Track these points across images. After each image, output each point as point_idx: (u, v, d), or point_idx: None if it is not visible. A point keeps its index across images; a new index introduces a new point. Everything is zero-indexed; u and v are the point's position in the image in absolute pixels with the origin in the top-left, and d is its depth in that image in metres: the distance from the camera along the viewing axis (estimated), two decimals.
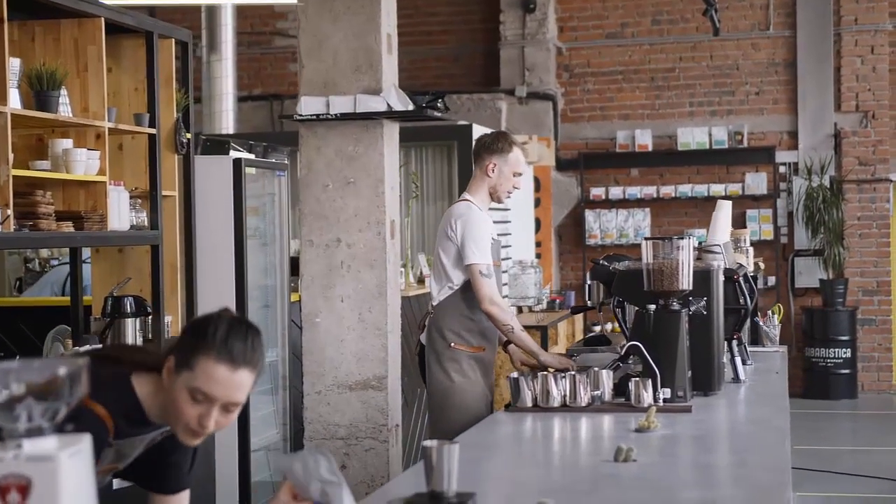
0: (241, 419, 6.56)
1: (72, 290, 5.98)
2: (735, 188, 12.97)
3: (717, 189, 12.94)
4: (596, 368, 4.52)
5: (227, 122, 11.07)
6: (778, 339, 6.65)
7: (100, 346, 5.37)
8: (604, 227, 13.30)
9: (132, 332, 5.68)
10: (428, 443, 2.85)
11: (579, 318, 11.22)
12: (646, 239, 4.63)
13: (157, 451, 2.95)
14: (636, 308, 4.71)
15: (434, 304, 5.53)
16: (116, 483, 4.89)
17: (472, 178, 5.55)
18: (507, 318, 5.34)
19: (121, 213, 5.59)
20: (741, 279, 5.23)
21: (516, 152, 5.50)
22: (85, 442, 1.91)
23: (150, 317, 5.86)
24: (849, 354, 12.60)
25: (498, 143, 5.49)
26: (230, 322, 2.77)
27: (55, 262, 8.32)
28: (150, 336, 5.87)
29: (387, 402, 5.89)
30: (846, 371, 12.62)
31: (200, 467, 5.84)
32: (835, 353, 12.58)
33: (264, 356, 2.82)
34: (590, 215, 13.31)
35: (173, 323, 6.11)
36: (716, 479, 3.35)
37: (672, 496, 3.08)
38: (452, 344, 5.41)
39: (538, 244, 12.59)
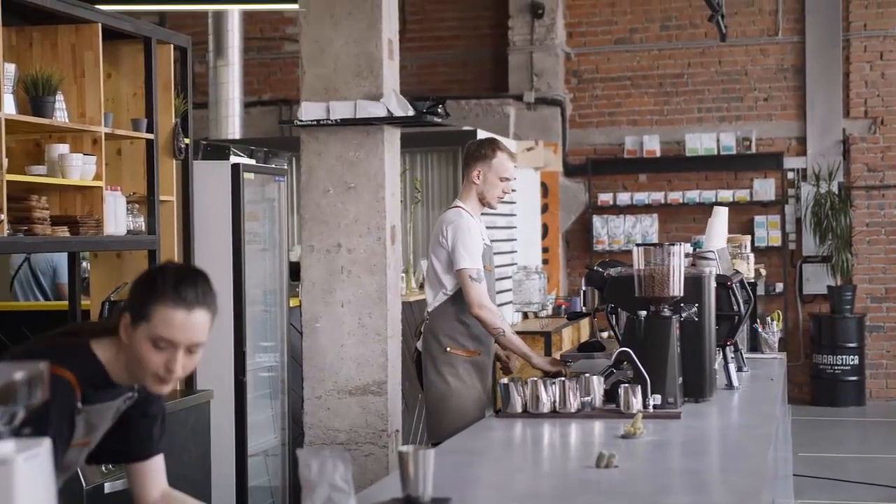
0: (238, 423, 6.58)
1: (69, 294, 6.02)
2: (743, 194, 12.95)
3: (725, 195, 12.91)
4: (587, 374, 4.52)
5: (233, 128, 11.10)
6: (777, 345, 6.62)
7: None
8: (612, 232, 13.29)
9: None
10: (403, 448, 2.87)
11: (585, 323, 11.21)
12: (637, 245, 4.64)
13: (125, 419, 3.03)
14: (627, 314, 4.71)
15: (429, 310, 5.58)
16: (108, 486, 4.95)
17: (462, 185, 5.64)
18: (498, 321, 5.38)
19: (117, 217, 5.62)
20: (735, 286, 5.21)
21: (501, 157, 5.55)
22: (43, 446, 1.93)
23: None
24: (857, 361, 12.57)
25: (482, 149, 5.56)
26: (176, 270, 2.88)
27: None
28: None
29: (387, 408, 5.89)
30: (854, 378, 12.58)
31: (197, 470, 5.86)
32: (842, 359, 12.54)
33: (216, 296, 2.90)
34: (597, 221, 13.30)
35: None
36: (694, 485, 3.35)
37: (647, 502, 3.09)
38: (448, 349, 5.46)
39: (546, 250, 12.59)
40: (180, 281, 2.82)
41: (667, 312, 4.56)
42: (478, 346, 5.51)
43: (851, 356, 12.54)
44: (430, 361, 5.53)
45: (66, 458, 2.89)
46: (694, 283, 4.71)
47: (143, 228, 5.92)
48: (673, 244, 4.59)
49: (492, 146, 5.59)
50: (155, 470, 3.14)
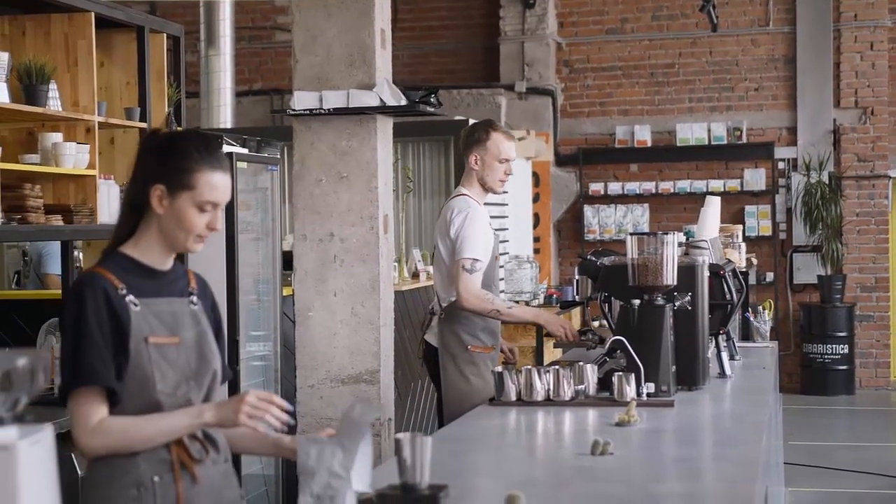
0: None
1: (63, 282, 6.01)
2: (734, 184, 12.99)
3: (716, 185, 12.95)
4: (581, 363, 4.54)
5: (225, 117, 11.08)
6: (768, 334, 6.66)
7: None
8: (603, 222, 13.32)
9: None
10: (400, 436, 2.87)
11: (578, 312, 11.23)
12: (630, 234, 4.65)
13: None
14: (621, 303, 4.73)
15: (444, 304, 5.49)
16: None
17: (464, 173, 5.58)
18: (488, 305, 5.32)
19: (111, 206, 5.62)
20: (728, 274, 5.23)
21: (495, 138, 5.45)
22: (46, 432, 1.93)
23: None
24: (846, 350, 12.62)
25: (475, 133, 5.49)
26: (199, 137, 3.01)
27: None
28: None
29: (379, 396, 5.89)
30: (844, 367, 12.63)
31: None
32: (833, 349, 12.59)
33: None
34: (589, 211, 13.32)
35: None
36: (687, 472, 3.37)
37: (642, 489, 3.11)
38: (470, 346, 5.40)
39: (537, 239, 12.61)
40: (209, 146, 2.97)
41: (660, 301, 4.57)
42: (494, 341, 5.48)
43: (841, 345, 12.59)
44: (449, 359, 5.45)
45: (165, 355, 2.92)
46: (687, 272, 4.72)
47: None
48: (666, 233, 4.60)
49: (485, 128, 5.50)
50: None
